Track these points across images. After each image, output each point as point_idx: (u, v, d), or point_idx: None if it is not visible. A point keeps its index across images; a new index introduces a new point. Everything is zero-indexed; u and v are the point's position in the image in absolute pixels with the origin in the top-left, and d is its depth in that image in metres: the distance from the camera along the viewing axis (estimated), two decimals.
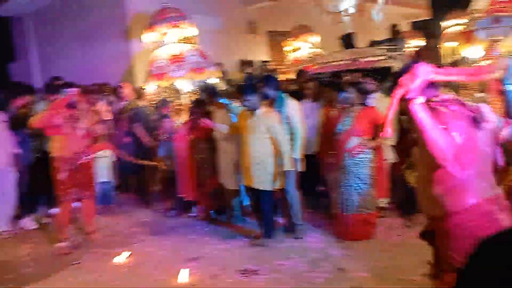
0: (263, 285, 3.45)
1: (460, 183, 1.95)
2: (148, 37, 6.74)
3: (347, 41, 7.64)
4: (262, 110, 4.29)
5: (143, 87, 7.00)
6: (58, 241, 4.54)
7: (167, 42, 6.61)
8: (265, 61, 9.67)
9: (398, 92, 1.93)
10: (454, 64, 4.58)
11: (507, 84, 2.10)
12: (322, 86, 5.48)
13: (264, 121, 4.23)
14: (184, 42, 6.68)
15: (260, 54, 10.32)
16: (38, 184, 5.31)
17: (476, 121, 1.99)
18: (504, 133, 2.08)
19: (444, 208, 1.98)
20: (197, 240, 4.62)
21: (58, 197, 4.49)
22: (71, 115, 4.43)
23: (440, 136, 1.90)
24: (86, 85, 7.15)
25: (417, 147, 2.11)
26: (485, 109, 2.06)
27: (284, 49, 9.50)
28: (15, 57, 11.56)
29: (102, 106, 6.43)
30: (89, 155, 4.59)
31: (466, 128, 1.97)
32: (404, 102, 1.88)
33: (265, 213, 4.40)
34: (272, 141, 4.24)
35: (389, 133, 2.14)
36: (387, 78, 6.35)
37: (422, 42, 10.12)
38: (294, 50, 9.13)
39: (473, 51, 3.69)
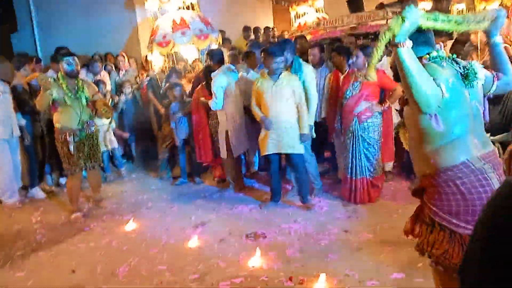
0: (271, 248, 3.50)
1: (450, 140, 1.92)
2: (150, 5, 6.61)
3: (355, 4, 7.43)
4: (284, 74, 4.22)
5: (147, 56, 6.92)
6: (71, 212, 4.58)
7: (169, 9, 6.48)
8: (270, 28, 9.46)
9: (384, 36, 1.79)
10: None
11: (494, 36, 2.05)
12: (329, 51, 5.38)
13: (288, 85, 4.15)
14: (187, 9, 6.55)
15: (264, 20, 10.10)
16: (46, 154, 5.35)
17: (466, 77, 1.94)
18: (493, 89, 2.05)
19: (434, 165, 1.96)
20: (204, 206, 4.67)
21: (66, 170, 4.50)
22: (71, 85, 4.34)
23: (426, 81, 1.81)
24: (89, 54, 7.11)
25: (407, 106, 2.06)
26: (476, 65, 1.99)
27: (291, 15, 9.27)
28: (17, 28, 11.43)
29: (104, 76, 6.41)
30: (94, 125, 4.52)
31: (456, 84, 1.91)
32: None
33: (301, 176, 4.36)
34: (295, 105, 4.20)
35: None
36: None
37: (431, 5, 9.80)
38: (300, 16, 8.91)
39: (492, 8, 3.56)
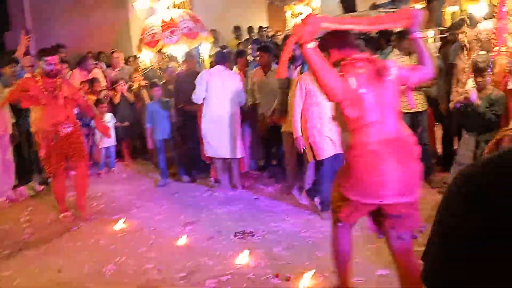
0: (259, 245, 3.50)
1: (356, 126, 2.24)
2: (140, 4, 6.60)
3: (347, 5, 7.48)
4: (296, 74, 4.28)
5: (137, 56, 6.92)
6: (60, 211, 4.49)
7: (159, 8, 6.47)
8: (264, 27, 9.48)
9: (291, 39, 2.15)
10: (458, 23, 4.47)
11: (414, 32, 2.29)
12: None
13: (306, 84, 3.98)
14: (178, 8, 6.53)
15: (258, 20, 10.11)
16: (33, 152, 5.32)
17: (379, 74, 2.23)
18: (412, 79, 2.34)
19: (349, 143, 2.29)
20: (194, 206, 4.66)
21: (47, 172, 4.40)
22: (49, 85, 4.15)
23: (330, 76, 2.12)
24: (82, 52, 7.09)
25: None
26: (390, 63, 2.32)
27: (286, 14, 9.27)
28: (10, 27, 11.37)
29: (98, 73, 6.41)
30: (71, 125, 4.29)
31: (369, 80, 2.22)
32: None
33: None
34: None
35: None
36: (389, 41, 6.25)
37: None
38: (295, 15, 8.92)
39: (479, 8, 3.59)
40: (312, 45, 2.07)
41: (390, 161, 2.18)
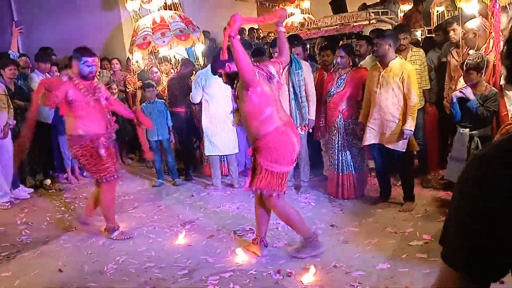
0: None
1: (266, 116, 2.96)
2: (131, 5, 6.57)
3: (337, 5, 7.55)
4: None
5: (130, 58, 6.90)
6: (109, 230, 3.89)
7: (151, 9, 6.46)
8: (254, 29, 9.51)
9: (226, 33, 2.70)
10: (448, 22, 4.54)
11: (279, 26, 3.18)
12: (315, 50, 5.51)
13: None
14: (169, 9, 6.53)
15: None
16: (30, 154, 5.28)
17: (269, 78, 3.04)
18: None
19: (259, 133, 2.99)
20: (192, 205, 4.68)
21: (100, 178, 3.78)
22: (87, 88, 3.70)
23: (250, 62, 2.84)
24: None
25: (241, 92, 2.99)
26: (272, 69, 3.09)
27: None
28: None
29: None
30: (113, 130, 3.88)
31: (266, 81, 2.99)
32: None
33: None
34: None
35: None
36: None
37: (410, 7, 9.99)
38: (286, 17, 8.97)
39: (471, 6, 3.65)
40: (238, 37, 2.74)
41: (292, 135, 3.03)
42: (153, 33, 6.01)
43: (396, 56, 3.92)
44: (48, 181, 5.68)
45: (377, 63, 4.00)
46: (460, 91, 3.55)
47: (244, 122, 3.10)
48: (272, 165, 2.99)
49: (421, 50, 4.63)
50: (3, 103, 4.87)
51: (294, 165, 3.14)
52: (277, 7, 9.16)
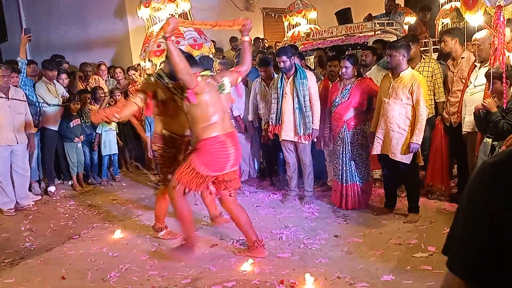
0: (262, 252, 3.52)
1: (211, 123, 3.17)
2: (143, 13, 6.64)
3: (343, 16, 7.59)
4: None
5: (140, 65, 6.95)
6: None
7: (162, 17, 6.51)
8: (260, 38, 9.57)
9: (159, 33, 2.97)
10: (447, 31, 4.53)
11: (244, 36, 3.46)
12: (322, 60, 5.57)
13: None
14: (179, 17, 6.58)
15: (254, 31, 10.20)
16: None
17: (219, 89, 3.29)
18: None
19: (200, 137, 3.21)
20: (195, 214, 4.64)
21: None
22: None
23: (184, 64, 2.99)
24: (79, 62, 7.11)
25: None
26: (226, 80, 3.31)
27: (285, 25, 9.35)
28: (7, 38, 11.38)
29: (100, 81, 6.48)
30: None
31: (214, 90, 3.24)
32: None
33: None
34: None
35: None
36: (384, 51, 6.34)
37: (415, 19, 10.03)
38: (293, 26, 9.00)
39: (476, 18, 3.62)
40: (173, 38, 2.98)
41: (230, 146, 3.24)
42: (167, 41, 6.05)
43: (408, 67, 3.92)
44: (53, 188, 5.70)
45: (389, 73, 4.00)
46: (482, 103, 3.50)
47: (191, 124, 3.33)
48: (200, 166, 3.21)
49: (434, 60, 4.58)
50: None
51: (226, 172, 3.32)
52: (283, 18, 9.20)
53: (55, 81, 5.78)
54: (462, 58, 4.23)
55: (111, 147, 6.08)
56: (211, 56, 6.48)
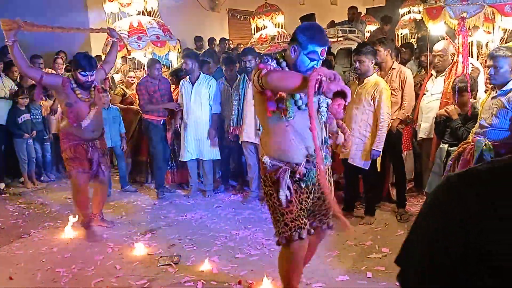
0: (220, 252, 3.51)
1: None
2: (109, 8, 6.46)
3: (308, 21, 7.72)
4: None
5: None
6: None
7: (128, 13, 6.37)
8: (225, 39, 9.57)
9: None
10: (381, 40, 4.51)
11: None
12: None
13: None
14: (148, 15, 6.46)
15: (220, 32, 10.19)
16: None
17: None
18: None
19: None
20: (153, 214, 4.58)
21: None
22: None
23: (20, 63, 3.51)
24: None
25: None
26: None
27: (252, 27, 9.37)
28: None
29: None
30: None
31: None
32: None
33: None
34: None
35: None
36: (345, 57, 6.52)
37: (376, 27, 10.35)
38: (260, 29, 9.04)
39: (439, 28, 3.72)
40: (10, 42, 3.35)
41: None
42: (129, 36, 5.90)
43: (374, 73, 3.88)
44: (2, 185, 5.42)
45: (355, 78, 4.05)
46: (445, 110, 3.58)
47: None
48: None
49: (403, 67, 4.33)
50: None
51: None
52: (251, 20, 9.23)
53: (2, 74, 5.50)
54: (393, 69, 4.12)
55: None
56: (177, 54, 6.43)
